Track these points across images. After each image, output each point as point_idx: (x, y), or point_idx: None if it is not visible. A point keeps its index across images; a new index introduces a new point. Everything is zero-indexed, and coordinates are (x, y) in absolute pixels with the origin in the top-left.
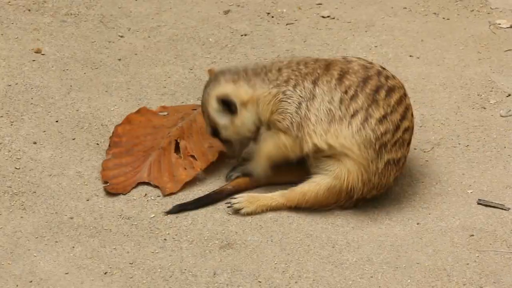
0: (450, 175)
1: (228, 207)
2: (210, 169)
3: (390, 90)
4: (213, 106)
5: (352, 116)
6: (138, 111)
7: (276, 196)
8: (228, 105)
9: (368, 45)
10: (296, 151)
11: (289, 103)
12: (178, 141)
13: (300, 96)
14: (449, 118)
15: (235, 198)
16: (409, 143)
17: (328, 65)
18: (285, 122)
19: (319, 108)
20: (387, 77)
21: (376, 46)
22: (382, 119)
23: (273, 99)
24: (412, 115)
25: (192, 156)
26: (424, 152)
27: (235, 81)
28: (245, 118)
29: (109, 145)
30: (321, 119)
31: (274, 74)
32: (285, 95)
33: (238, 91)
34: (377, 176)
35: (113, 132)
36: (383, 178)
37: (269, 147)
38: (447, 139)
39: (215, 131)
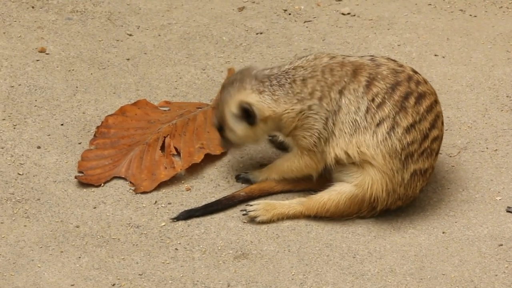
0: (477, 181)
1: (244, 214)
2: (196, 170)
3: (420, 97)
4: (232, 109)
5: (378, 125)
6: (135, 103)
7: (294, 204)
8: (247, 115)
9: (390, 44)
10: (319, 169)
11: (316, 119)
12: (166, 135)
13: (327, 110)
14: (477, 121)
15: (251, 205)
16: (437, 153)
17: (355, 71)
18: (312, 138)
19: (344, 120)
20: (418, 83)
21: (399, 45)
22: (409, 128)
23: (297, 116)
24: (442, 123)
25: (175, 155)
26: (450, 156)
27: (261, 92)
28: (260, 131)
29: (94, 135)
30: (345, 132)
31: (299, 86)
32: (312, 110)
33: (262, 105)
34: (403, 187)
35: (102, 122)
36: (409, 189)
37: (290, 167)
38: (475, 143)
39: (221, 128)
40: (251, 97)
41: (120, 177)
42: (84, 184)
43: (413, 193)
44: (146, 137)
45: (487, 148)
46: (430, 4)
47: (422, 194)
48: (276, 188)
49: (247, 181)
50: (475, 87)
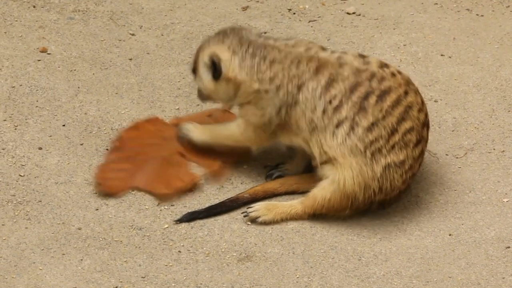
0: (484, 183)
1: (244, 216)
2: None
3: (384, 94)
4: (204, 58)
5: (337, 126)
6: (148, 120)
7: (295, 203)
8: (214, 68)
9: (396, 44)
10: (260, 146)
11: (269, 104)
12: (182, 151)
13: (281, 99)
14: (483, 121)
15: (251, 206)
16: (417, 143)
17: (318, 68)
18: (263, 119)
19: (300, 116)
20: (381, 79)
21: (405, 45)
22: (371, 127)
23: (253, 93)
24: (419, 111)
25: (192, 165)
26: (457, 158)
27: (235, 53)
28: (221, 89)
29: (110, 149)
30: (303, 127)
31: (264, 66)
32: (267, 94)
33: (229, 65)
34: (377, 180)
35: (116, 136)
36: (386, 181)
37: (230, 137)
38: (481, 144)
39: (194, 72)
40: (223, 54)
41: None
42: (101, 194)
43: (394, 186)
44: (162, 152)
45: (494, 149)
46: (436, 4)
47: (428, 195)
48: (280, 190)
49: (185, 136)
50: (482, 88)
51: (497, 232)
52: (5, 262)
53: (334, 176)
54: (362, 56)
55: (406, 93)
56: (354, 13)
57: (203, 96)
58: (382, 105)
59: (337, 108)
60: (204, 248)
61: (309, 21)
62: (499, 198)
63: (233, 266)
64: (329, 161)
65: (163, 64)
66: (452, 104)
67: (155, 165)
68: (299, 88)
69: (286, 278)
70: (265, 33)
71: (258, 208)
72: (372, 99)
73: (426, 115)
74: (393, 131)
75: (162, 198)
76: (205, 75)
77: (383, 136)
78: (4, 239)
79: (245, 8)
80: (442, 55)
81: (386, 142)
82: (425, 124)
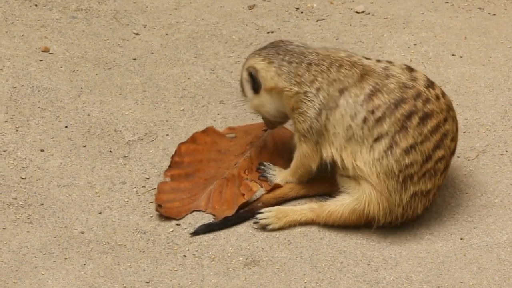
0: (496, 186)
1: (254, 222)
2: None
3: (426, 117)
4: (244, 73)
5: (376, 140)
6: (204, 131)
7: (305, 211)
8: (253, 81)
9: (406, 43)
10: (316, 160)
11: (309, 106)
12: (244, 173)
13: (322, 102)
14: (496, 123)
15: (262, 213)
16: (444, 170)
17: (363, 75)
18: (305, 125)
19: (339, 120)
20: (426, 101)
21: (415, 44)
22: (409, 149)
23: (294, 96)
24: (452, 140)
25: (249, 180)
26: (468, 160)
27: (271, 62)
28: (266, 102)
29: (169, 165)
30: (339, 133)
31: (302, 69)
32: (306, 96)
33: (266, 74)
34: (401, 208)
35: (175, 151)
36: (409, 209)
37: (297, 162)
38: (494, 146)
39: (243, 94)
40: (259, 64)
41: (131, 184)
42: (163, 216)
43: (414, 213)
44: (222, 171)
45: (506, 151)
46: (447, 2)
47: (439, 198)
48: (290, 194)
49: (265, 178)
50: (494, 88)
51: (510, 236)
52: (7, 267)
53: (359, 196)
54: (409, 69)
55: (445, 120)
56: (363, 12)
57: (267, 120)
58: (422, 128)
59: (379, 120)
60: (210, 253)
61: (317, 20)
62: (511, 201)
63: (240, 270)
64: (356, 178)
65: (168, 64)
66: (464, 105)
67: (216, 186)
68: (341, 92)
69: (293, 283)
70: (272, 32)
71: (268, 216)
72: (415, 120)
73: (456, 143)
74: (428, 158)
75: (224, 215)
76: (247, 91)
77: (418, 162)
78: (6, 243)
79: (251, 7)
80: (453, 54)
81: (420, 168)
82: (453, 153)
